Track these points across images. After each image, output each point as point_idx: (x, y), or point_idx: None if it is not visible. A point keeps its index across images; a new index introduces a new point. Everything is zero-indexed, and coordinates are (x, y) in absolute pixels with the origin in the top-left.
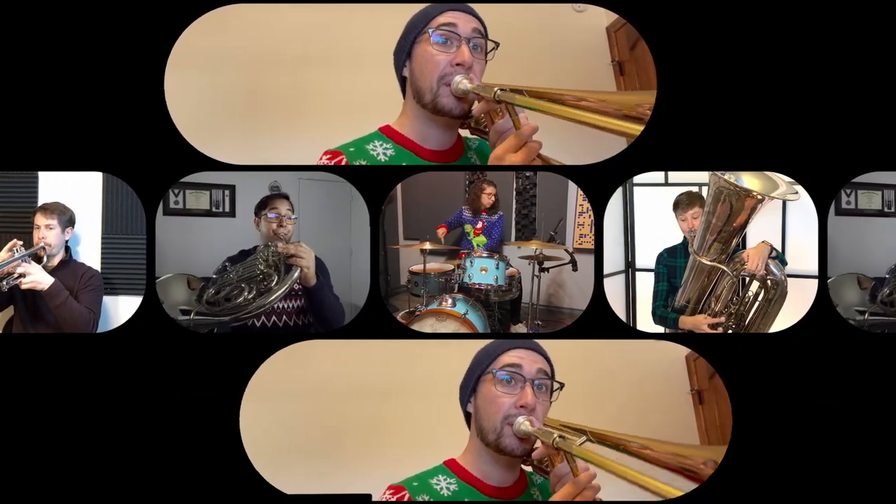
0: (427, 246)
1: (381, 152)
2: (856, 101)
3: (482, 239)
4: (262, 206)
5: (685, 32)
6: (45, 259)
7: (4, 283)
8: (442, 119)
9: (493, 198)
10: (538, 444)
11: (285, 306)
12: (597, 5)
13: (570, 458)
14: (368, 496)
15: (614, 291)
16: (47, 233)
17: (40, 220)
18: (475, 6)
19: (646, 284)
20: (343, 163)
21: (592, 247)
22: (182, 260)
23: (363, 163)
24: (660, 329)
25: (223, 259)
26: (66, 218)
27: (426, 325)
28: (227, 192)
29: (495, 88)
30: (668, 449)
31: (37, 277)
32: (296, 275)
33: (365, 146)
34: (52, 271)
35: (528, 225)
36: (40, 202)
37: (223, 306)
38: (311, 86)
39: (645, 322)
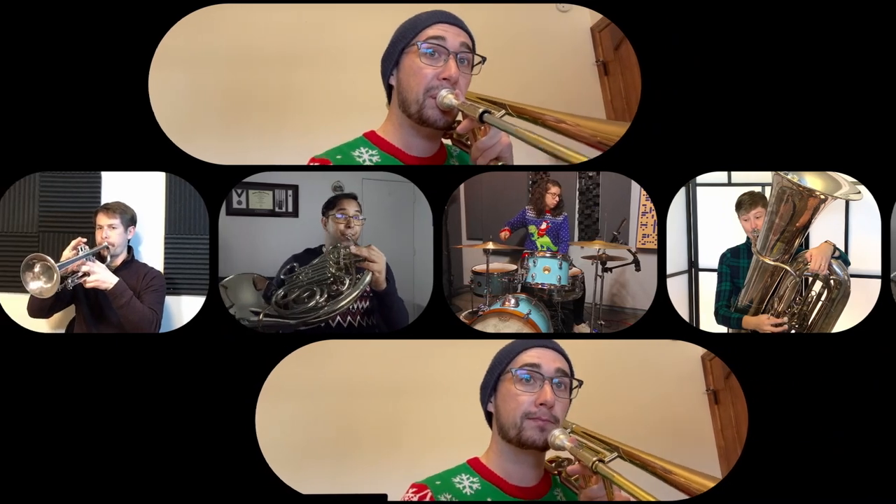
0: (490, 246)
1: (367, 158)
2: None
3: (546, 239)
4: (330, 206)
5: (669, 32)
6: (108, 259)
7: (69, 281)
8: (426, 129)
9: (557, 198)
10: (562, 440)
11: (352, 307)
12: (581, 5)
13: (608, 483)
14: (384, 496)
15: (677, 291)
16: (110, 232)
17: (102, 219)
18: (462, 7)
19: (709, 284)
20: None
21: (655, 247)
22: (245, 260)
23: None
24: (723, 329)
25: (287, 258)
26: (128, 217)
27: (489, 325)
28: (290, 192)
29: (480, 109)
30: (690, 477)
31: (101, 276)
32: (367, 279)
33: (351, 152)
34: (114, 271)
35: (590, 225)
36: (103, 202)
37: (293, 309)
38: (295, 86)
39: (708, 322)
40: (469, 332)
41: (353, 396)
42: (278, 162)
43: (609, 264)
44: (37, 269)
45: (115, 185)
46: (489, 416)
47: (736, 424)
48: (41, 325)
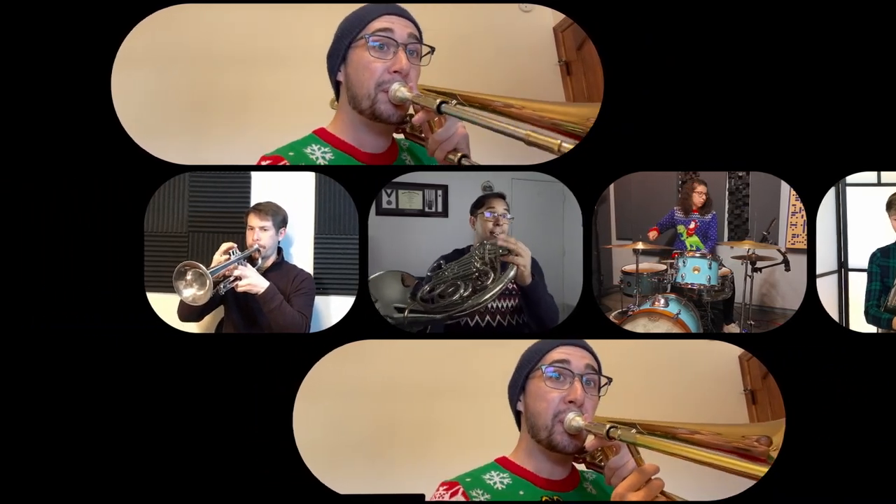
0: (640, 246)
1: (320, 156)
2: None
3: (695, 239)
4: (479, 205)
5: (632, 32)
6: (259, 261)
7: (221, 286)
8: (379, 125)
9: (703, 196)
10: (578, 421)
11: (500, 306)
12: (543, 5)
13: (633, 449)
14: (422, 496)
15: (827, 291)
16: (261, 234)
17: (254, 221)
18: (423, 7)
19: (859, 284)
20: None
21: (805, 247)
22: (395, 260)
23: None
24: (872, 329)
25: (436, 258)
26: (280, 218)
27: (639, 325)
28: (439, 192)
29: (437, 100)
30: (717, 430)
31: (253, 281)
32: (511, 273)
33: (303, 150)
34: (264, 273)
35: (740, 225)
36: (253, 202)
37: (437, 303)
38: (260, 85)
39: (858, 322)
40: (618, 332)
41: (390, 396)
42: (241, 161)
43: (759, 264)
44: (189, 276)
45: (265, 185)
46: (518, 416)
47: None
48: (190, 327)
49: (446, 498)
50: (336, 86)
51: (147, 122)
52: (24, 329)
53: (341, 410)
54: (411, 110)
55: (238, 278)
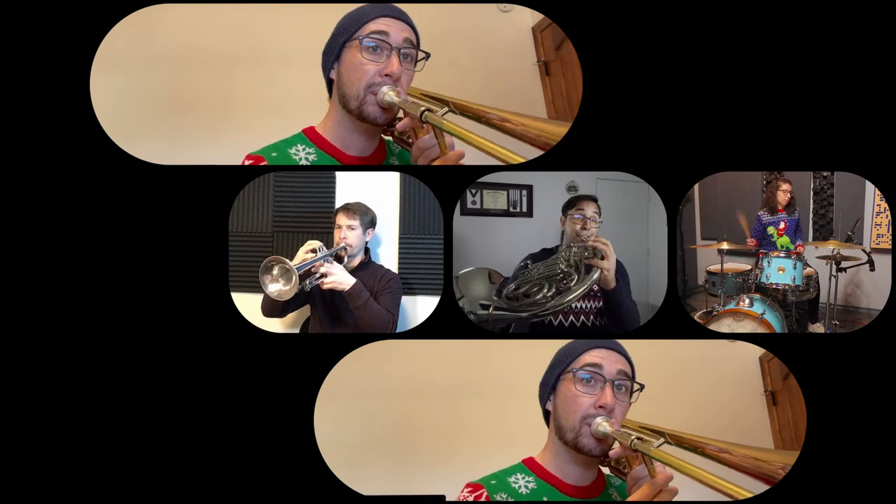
0: (724, 246)
1: (304, 157)
2: None
3: (786, 239)
4: (570, 205)
5: (611, 32)
6: (345, 260)
7: (308, 282)
8: (365, 125)
9: (788, 195)
10: (604, 426)
11: (584, 306)
12: (522, 5)
13: (647, 459)
14: (442, 497)
15: None
16: (349, 233)
17: (342, 220)
18: (400, 6)
19: None
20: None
21: (890, 246)
22: (479, 259)
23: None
24: None
25: (522, 257)
26: (368, 219)
27: (723, 325)
28: (524, 192)
29: (422, 107)
30: (745, 452)
31: (339, 278)
32: (595, 276)
33: (287, 150)
34: (351, 273)
35: (825, 225)
36: (338, 202)
37: (522, 302)
38: (238, 86)
39: None
40: (702, 332)
41: (413, 396)
42: (224, 162)
43: (843, 264)
44: (275, 271)
45: (350, 185)
46: (547, 415)
47: (794, 426)
48: (275, 325)
49: (470, 500)
50: (329, 83)
51: (126, 123)
52: (23, 329)
53: (364, 410)
54: (400, 114)
55: (324, 275)
